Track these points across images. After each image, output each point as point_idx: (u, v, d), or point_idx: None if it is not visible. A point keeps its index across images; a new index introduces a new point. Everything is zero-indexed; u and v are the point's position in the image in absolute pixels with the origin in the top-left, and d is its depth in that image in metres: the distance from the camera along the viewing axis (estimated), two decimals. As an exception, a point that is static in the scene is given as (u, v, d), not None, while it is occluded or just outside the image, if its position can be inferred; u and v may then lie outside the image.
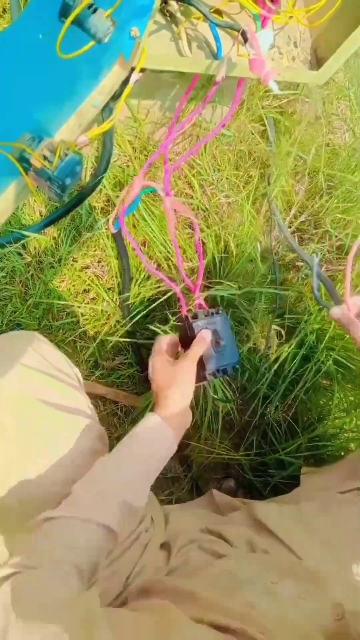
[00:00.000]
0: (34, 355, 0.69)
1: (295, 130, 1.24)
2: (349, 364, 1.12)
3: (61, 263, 1.09)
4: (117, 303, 1.11)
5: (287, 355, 1.12)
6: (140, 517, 0.76)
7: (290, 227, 1.22)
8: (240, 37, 0.56)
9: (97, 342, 1.13)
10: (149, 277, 1.08)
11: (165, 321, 1.02)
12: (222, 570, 0.65)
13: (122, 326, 1.09)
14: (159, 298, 1.04)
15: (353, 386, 1.15)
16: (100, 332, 1.12)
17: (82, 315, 1.11)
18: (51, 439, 0.66)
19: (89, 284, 1.12)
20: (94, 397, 1.13)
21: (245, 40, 0.55)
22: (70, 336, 1.11)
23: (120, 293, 1.08)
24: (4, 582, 0.49)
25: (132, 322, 1.05)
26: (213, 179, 1.09)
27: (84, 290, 1.12)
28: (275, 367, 1.13)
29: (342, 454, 1.14)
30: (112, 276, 1.10)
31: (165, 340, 0.81)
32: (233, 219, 1.11)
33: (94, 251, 1.10)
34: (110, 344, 1.11)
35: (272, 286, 1.15)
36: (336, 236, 1.20)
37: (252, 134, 1.21)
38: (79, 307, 1.10)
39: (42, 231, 1.06)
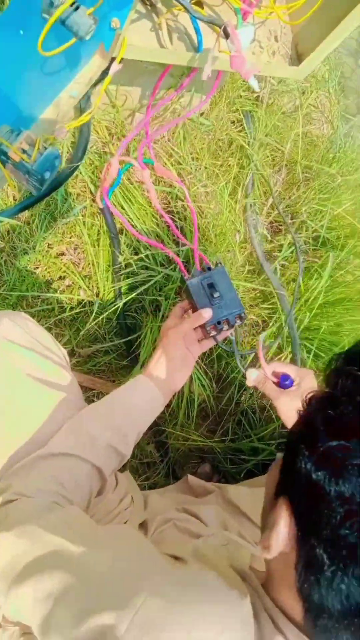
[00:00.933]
0: (22, 333, 0.70)
1: (272, 120, 1.24)
2: (321, 354, 1.16)
3: (36, 249, 1.08)
4: (95, 291, 1.11)
5: (263, 344, 1.14)
6: (122, 494, 0.79)
7: (268, 218, 1.24)
8: (221, 33, 0.56)
9: (73, 329, 1.12)
10: (126, 266, 1.07)
11: (156, 308, 1.03)
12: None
13: (104, 310, 1.09)
14: (139, 286, 1.04)
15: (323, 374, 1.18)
16: (76, 319, 1.12)
17: (58, 302, 1.10)
18: (37, 413, 0.68)
19: (64, 271, 1.11)
20: (71, 385, 1.13)
21: (227, 36, 0.55)
22: (46, 323, 1.10)
23: (113, 273, 1.07)
24: (4, 506, 0.57)
25: (121, 303, 1.05)
26: (191, 168, 1.09)
27: (60, 277, 1.12)
28: (252, 356, 1.15)
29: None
30: (89, 263, 1.10)
31: (178, 305, 0.84)
32: (212, 208, 1.12)
33: (70, 238, 1.09)
34: (87, 332, 1.11)
35: (250, 276, 1.16)
36: (312, 227, 1.22)
37: (232, 122, 1.21)
38: (54, 294, 1.09)
39: (16, 216, 1.04)
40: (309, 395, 0.44)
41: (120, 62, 0.59)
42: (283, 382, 0.78)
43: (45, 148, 0.45)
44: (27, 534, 0.52)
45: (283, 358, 1.15)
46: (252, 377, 0.79)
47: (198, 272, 0.82)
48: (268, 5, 0.65)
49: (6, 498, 0.57)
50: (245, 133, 1.20)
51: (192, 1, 0.69)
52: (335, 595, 0.35)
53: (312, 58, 0.71)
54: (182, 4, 0.55)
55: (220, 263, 0.83)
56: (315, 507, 0.36)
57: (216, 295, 0.78)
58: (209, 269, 0.82)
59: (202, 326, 0.78)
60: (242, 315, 0.80)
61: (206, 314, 0.77)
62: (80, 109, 0.64)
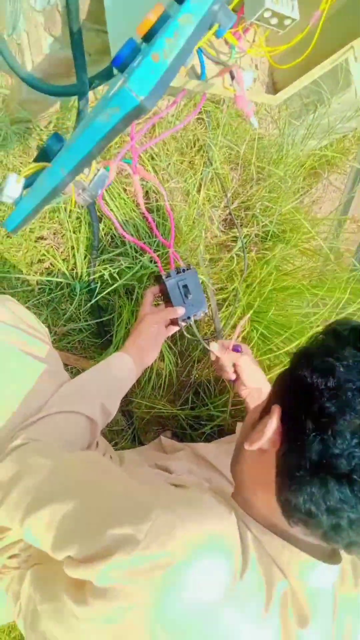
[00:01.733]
0: (8, 313, 0.81)
1: (229, 121, 1.37)
2: (267, 334, 1.34)
3: (18, 233, 1.13)
4: (74, 272, 1.19)
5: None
6: (102, 452, 0.92)
7: (225, 211, 1.38)
8: (228, 74, 0.68)
9: (50, 309, 1.20)
10: (102, 252, 1.17)
11: (129, 292, 1.14)
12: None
13: (81, 294, 1.18)
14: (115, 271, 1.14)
15: (270, 351, 1.38)
16: (53, 299, 1.20)
17: (38, 284, 1.17)
18: (26, 381, 0.78)
19: (43, 254, 1.18)
20: (46, 361, 1.21)
21: (233, 77, 0.67)
22: (25, 304, 1.17)
23: (89, 259, 1.16)
24: (15, 450, 0.66)
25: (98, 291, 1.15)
26: (165, 165, 1.19)
27: (39, 260, 1.18)
28: (209, 334, 1.31)
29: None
30: (69, 247, 1.17)
31: (150, 291, 1.01)
32: (180, 202, 1.24)
33: (51, 223, 1.15)
34: (63, 311, 1.20)
35: (211, 263, 1.31)
36: (262, 222, 1.39)
37: (198, 120, 1.33)
38: (34, 276, 1.16)
39: None
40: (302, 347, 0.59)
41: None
42: (236, 349, 1.01)
43: (98, 170, 0.55)
44: (43, 466, 0.61)
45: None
46: (215, 348, 1.00)
47: (173, 272, 0.98)
48: (257, 45, 0.78)
49: (16, 444, 0.68)
50: (209, 133, 1.33)
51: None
52: (314, 451, 0.47)
53: (287, 90, 0.85)
54: (197, 49, 0.66)
55: (192, 266, 1.01)
56: (308, 397, 0.49)
57: (190, 296, 0.97)
58: (183, 270, 0.99)
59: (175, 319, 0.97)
60: (206, 312, 1.02)
61: (180, 311, 0.96)
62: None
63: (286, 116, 1.52)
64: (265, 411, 0.58)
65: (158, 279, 1.00)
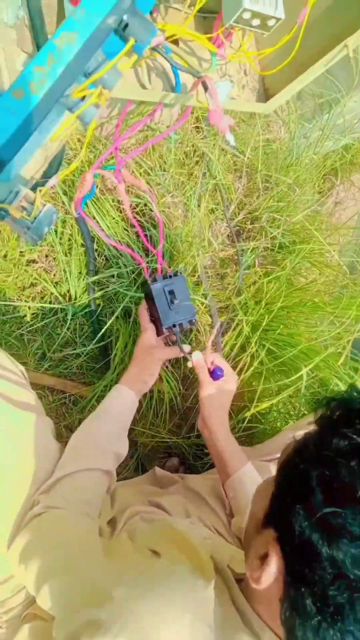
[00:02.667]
0: None
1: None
2: (276, 351, 1.25)
3: (7, 258, 1.08)
4: (67, 295, 1.13)
5: (225, 345, 1.22)
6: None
7: (231, 222, 1.30)
8: (201, 85, 0.60)
9: (45, 334, 1.15)
10: (96, 273, 1.11)
11: (127, 314, 1.08)
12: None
13: (74, 318, 1.12)
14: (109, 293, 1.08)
15: (279, 372, 1.28)
16: (47, 325, 1.15)
17: (29, 309, 1.12)
18: (25, 438, 0.73)
19: (35, 278, 1.12)
20: (42, 388, 1.16)
21: (206, 88, 0.60)
22: (18, 329, 1.12)
23: (83, 281, 1.10)
24: (35, 519, 0.65)
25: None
26: (160, 179, 1.12)
27: (31, 284, 1.13)
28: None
29: (269, 431, 1.28)
30: (61, 270, 1.12)
31: (142, 315, 0.95)
32: (179, 217, 1.16)
33: (41, 246, 1.10)
34: (59, 336, 1.14)
35: (214, 281, 1.23)
36: (271, 234, 1.29)
37: (196, 129, 1.25)
38: (26, 302, 1.11)
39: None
40: (301, 439, 0.46)
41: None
42: (215, 373, 0.92)
43: (44, 205, 0.49)
44: (52, 542, 0.62)
45: (243, 358, 1.24)
46: (195, 357, 0.92)
47: (160, 277, 0.92)
48: (240, 50, 0.70)
49: (35, 512, 0.66)
50: (208, 140, 1.24)
51: (170, 39, 0.72)
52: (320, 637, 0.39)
53: (278, 97, 0.76)
54: (164, 57, 0.58)
55: (181, 272, 0.94)
56: (307, 563, 0.39)
57: (176, 302, 0.90)
58: (171, 276, 0.92)
59: (160, 324, 0.91)
60: (193, 321, 0.93)
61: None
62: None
63: (297, 118, 1.42)
64: (266, 521, 0.48)
65: (144, 285, 0.94)
